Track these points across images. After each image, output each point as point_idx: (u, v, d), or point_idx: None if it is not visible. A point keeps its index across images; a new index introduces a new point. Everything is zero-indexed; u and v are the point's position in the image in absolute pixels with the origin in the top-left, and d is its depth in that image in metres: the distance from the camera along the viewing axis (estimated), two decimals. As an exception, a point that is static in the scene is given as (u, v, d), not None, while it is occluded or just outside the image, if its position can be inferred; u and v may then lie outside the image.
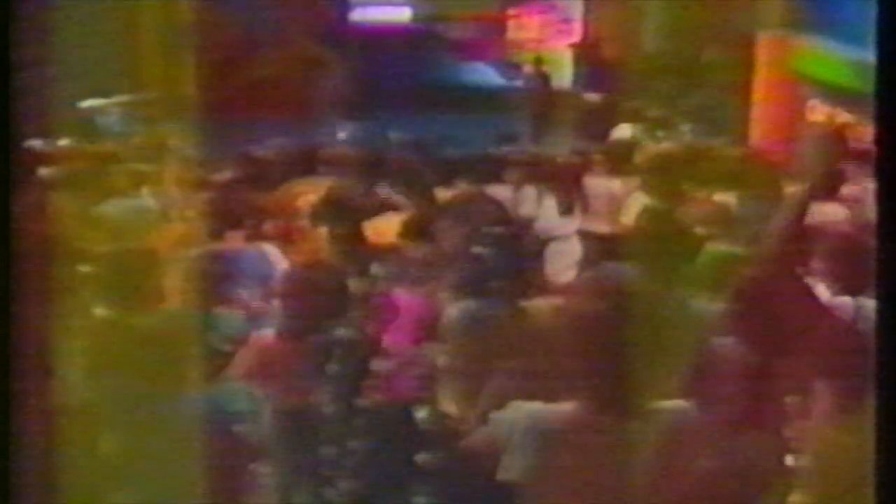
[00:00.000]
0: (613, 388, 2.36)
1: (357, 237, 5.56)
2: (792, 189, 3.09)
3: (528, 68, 13.18)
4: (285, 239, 5.98)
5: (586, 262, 5.70)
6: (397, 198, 6.63)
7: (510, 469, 2.40)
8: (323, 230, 5.54)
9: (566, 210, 6.87)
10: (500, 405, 2.55)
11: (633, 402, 2.38)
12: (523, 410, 2.43)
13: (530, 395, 2.53)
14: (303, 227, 5.76)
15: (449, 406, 4.06)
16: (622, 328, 2.36)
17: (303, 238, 5.66)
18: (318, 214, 5.83)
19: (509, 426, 2.42)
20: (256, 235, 6.24)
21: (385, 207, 6.23)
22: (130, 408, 3.63)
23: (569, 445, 2.36)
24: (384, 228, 5.93)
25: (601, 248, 5.58)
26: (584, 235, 6.31)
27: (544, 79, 12.70)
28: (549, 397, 2.44)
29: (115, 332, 3.75)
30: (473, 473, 3.08)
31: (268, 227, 6.31)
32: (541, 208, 7.06)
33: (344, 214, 5.73)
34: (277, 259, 5.80)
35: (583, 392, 2.39)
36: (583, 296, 2.49)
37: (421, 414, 4.49)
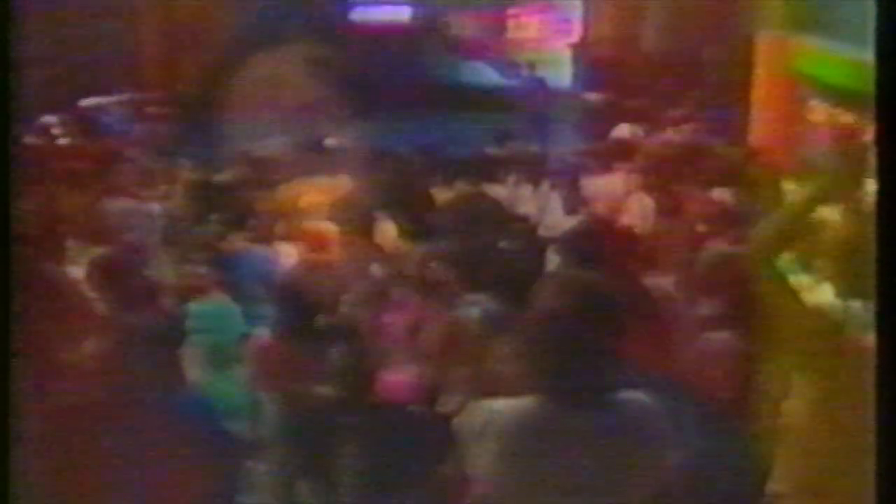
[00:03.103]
0: (575, 381, 2.37)
1: (368, 238, 5.59)
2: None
3: (524, 71, 13.19)
4: (288, 239, 5.98)
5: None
6: (397, 198, 6.64)
7: (475, 465, 2.43)
8: (329, 230, 5.54)
9: (571, 209, 6.88)
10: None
11: (594, 395, 2.39)
12: (484, 408, 2.46)
13: (494, 392, 2.56)
14: (306, 227, 5.76)
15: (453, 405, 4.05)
16: (585, 323, 2.37)
17: (306, 238, 5.66)
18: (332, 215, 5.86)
19: (472, 424, 2.44)
20: (258, 236, 6.25)
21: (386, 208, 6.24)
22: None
23: (531, 440, 2.37)
24: (385, 228, 5.94)
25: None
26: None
27: (540, 82, 12.70)
28: (512, 392, 2.46)
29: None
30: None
31: (270, 227, 6.31)
32: (547, 207, 7.07)
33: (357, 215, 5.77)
34: (279, 259, 5.81)
35: (544, 386, 2.40)
36: (548, 292, 2.49)
37: (419, 413, 4.49)
